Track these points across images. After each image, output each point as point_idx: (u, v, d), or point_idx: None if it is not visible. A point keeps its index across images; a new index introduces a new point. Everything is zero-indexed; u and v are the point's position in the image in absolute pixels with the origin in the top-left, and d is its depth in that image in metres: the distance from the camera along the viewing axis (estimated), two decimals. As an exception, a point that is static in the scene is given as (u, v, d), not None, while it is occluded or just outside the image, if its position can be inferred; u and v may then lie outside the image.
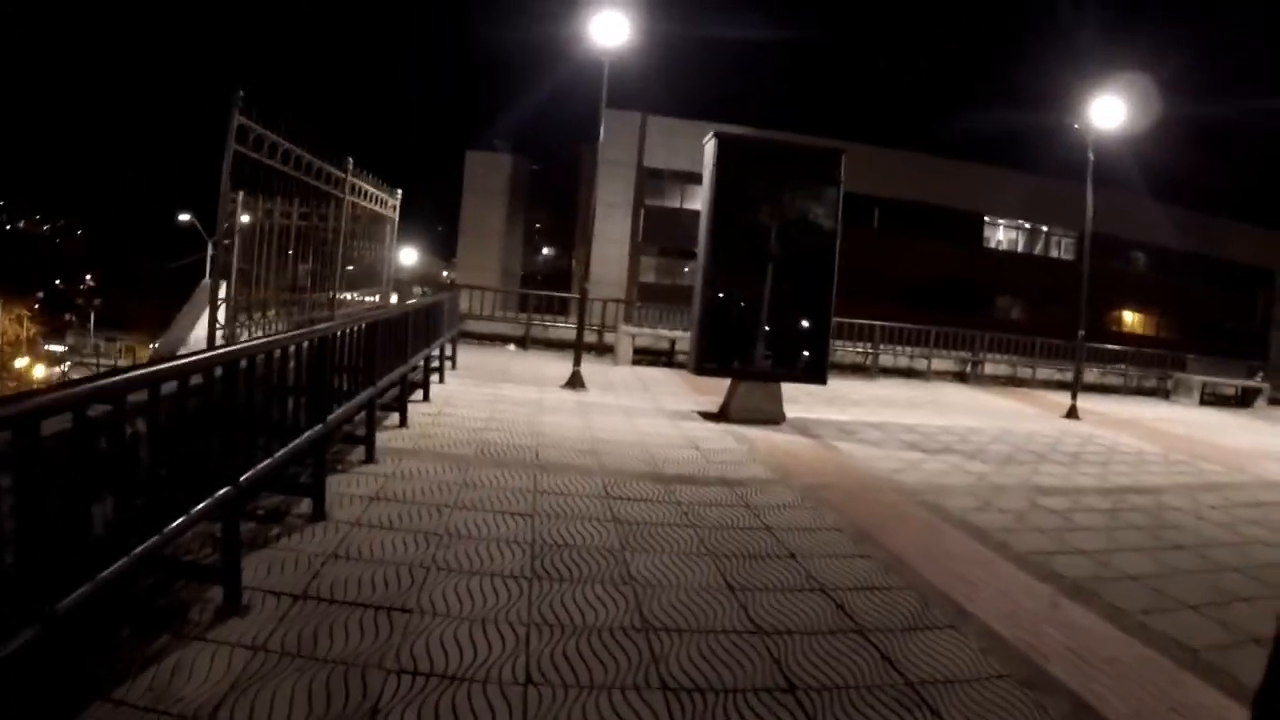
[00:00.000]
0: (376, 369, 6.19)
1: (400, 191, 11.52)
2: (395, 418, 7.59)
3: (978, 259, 37.35)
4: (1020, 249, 39.71)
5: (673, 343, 15.58)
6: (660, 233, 35.04)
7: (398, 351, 7.17)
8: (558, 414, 9.06)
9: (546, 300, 17.47)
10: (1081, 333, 14.89)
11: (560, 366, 13.13)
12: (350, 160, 8.78)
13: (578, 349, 11.41)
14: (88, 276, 70.62)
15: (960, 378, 19.15)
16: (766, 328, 9.87)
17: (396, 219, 11.60)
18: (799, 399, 10.87)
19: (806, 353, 10.08)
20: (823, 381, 10.21)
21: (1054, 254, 39.64)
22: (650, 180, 34.58)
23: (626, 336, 14.72)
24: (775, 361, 9.96)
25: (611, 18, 11.00)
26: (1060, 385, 19.71)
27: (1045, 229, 39.28)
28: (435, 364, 10.29)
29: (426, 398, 8.94)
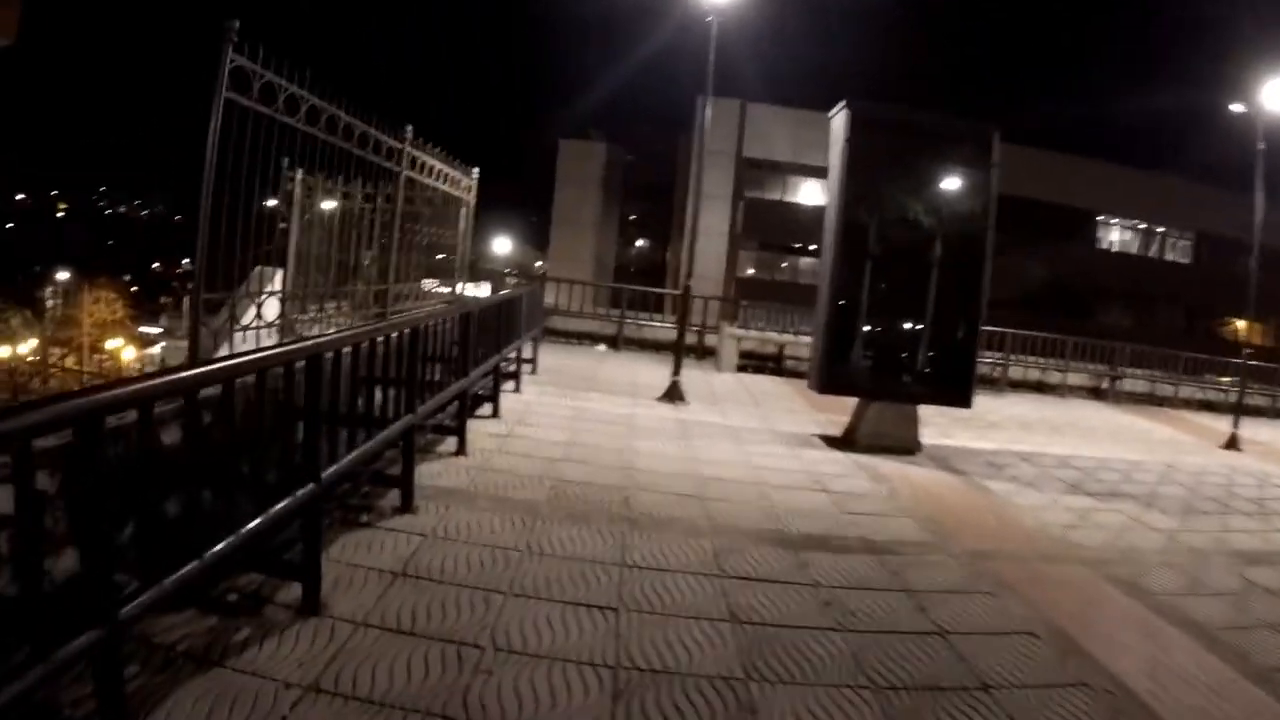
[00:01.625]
0: (419, 388, 4.75)
1: (477, 171, 10.14)
2: (452, 442, 6.14)
3: (1090, 260, 34.24)
4: (1135, 250, 36.49)
5: (781, 347, 13.87)
6: (760, 226, 33.27)
7: (457, 362, 5.75)
8: (654, 438, 7.48)
9: (641, 296, 15.88)
10: (1248, 351, 12.57)
11: (656, 372, 11.59)
12: (409, 129, 7.38)
13: (677, 354, 9.82)
14: (185, 260, 72.48)
15: (1096, 394, 16.93)
16: (903, 338, 8.12)
17: (473, 201, 10.21)
18: (930, 420, 9.05)
19: (949, 368, 8.28)
20: (967, 404, 8.37)
21: (1169, 257, 36.42)
22: (750, 171, 32.79)
23: (731, 340, 13.05)
24: (913, 378, 8.20)
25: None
26: (1203, 406, 17.36)
27: (1161, 230, 36.02)
28: (511, 367, 8.86)
29: (496, 413, 7.49)
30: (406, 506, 4.66)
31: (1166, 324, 34.10)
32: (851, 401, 8.51)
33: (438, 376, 5.45)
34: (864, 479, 6.91)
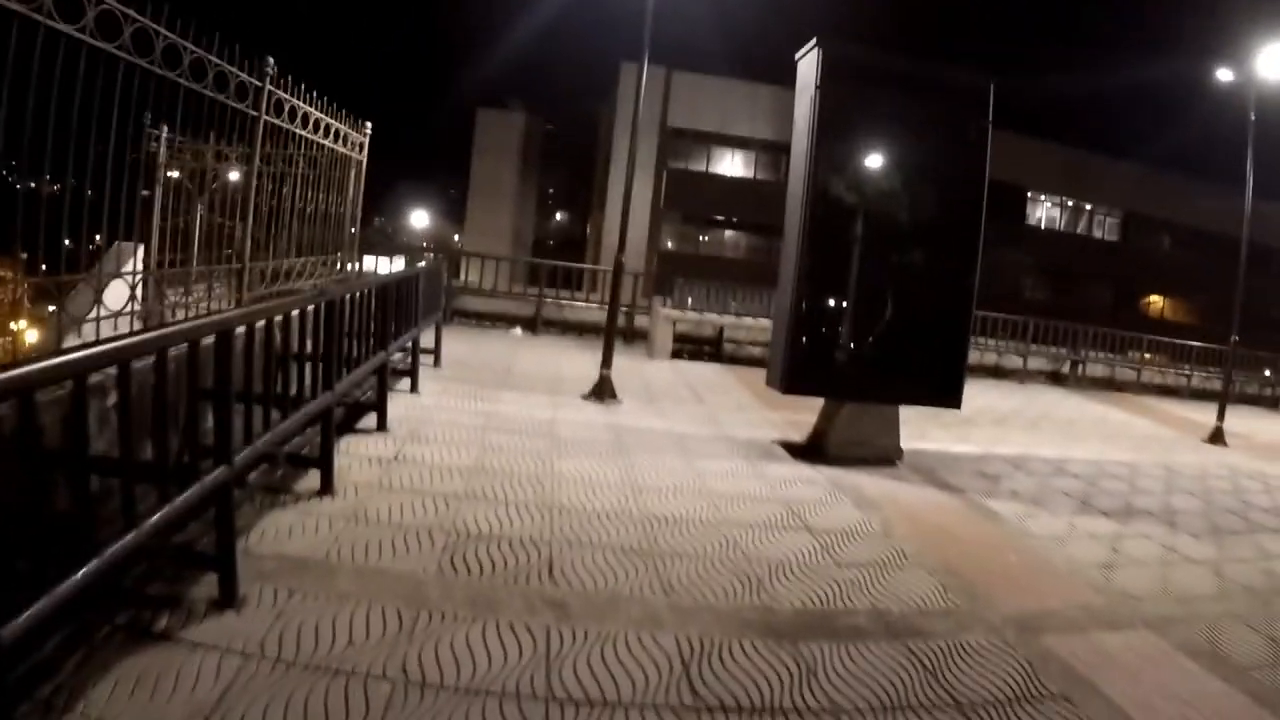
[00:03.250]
0: (264, 410, 3.19)
1: (370, 125, 8.41)
2: (315, 477, 4.53)
3: (1020, 237, 33.88)
4: (1063, 228, 36.40)
5: (720, 330, 12.46)
6: (684, 198, 31.84)
7: (321, 368, 4.18)
8: (584, 455, 5.98)
9: (563, 273, 14.16)
10: (1235, 338, 11.70)
11: (580, 360, 10.11)
12: (271, 64, 5.69)
13: (608, 343, 8.29)
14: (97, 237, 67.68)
15: (1055, 379, 16.09)
16: (883, 328, 6.80)
17: (364, 160, 8.49)
18: (902, 418, 7.79)
19: (935, 362, 7.02)
20: (957, 403, 7.12)
21: (1097, 234, 36.55)
22: (674, 141, 31.30)
23: (665, 323, 11.54)
24: (895, 375, 6.90)
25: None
26: (1163, 391, 16.84)
27: (1089, 207, 36.03)
28: (405, 362, 7.27)
29: (382, 425, 5.90)
30: (227, 599, 3.09)
31: (1095, 302, 34.00)
32: (810, 399, 7.19)
33: (294, 390, 3.89)
34: (848, 505, 5.56)
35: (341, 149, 7.80)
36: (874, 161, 6.66)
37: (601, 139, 35.32)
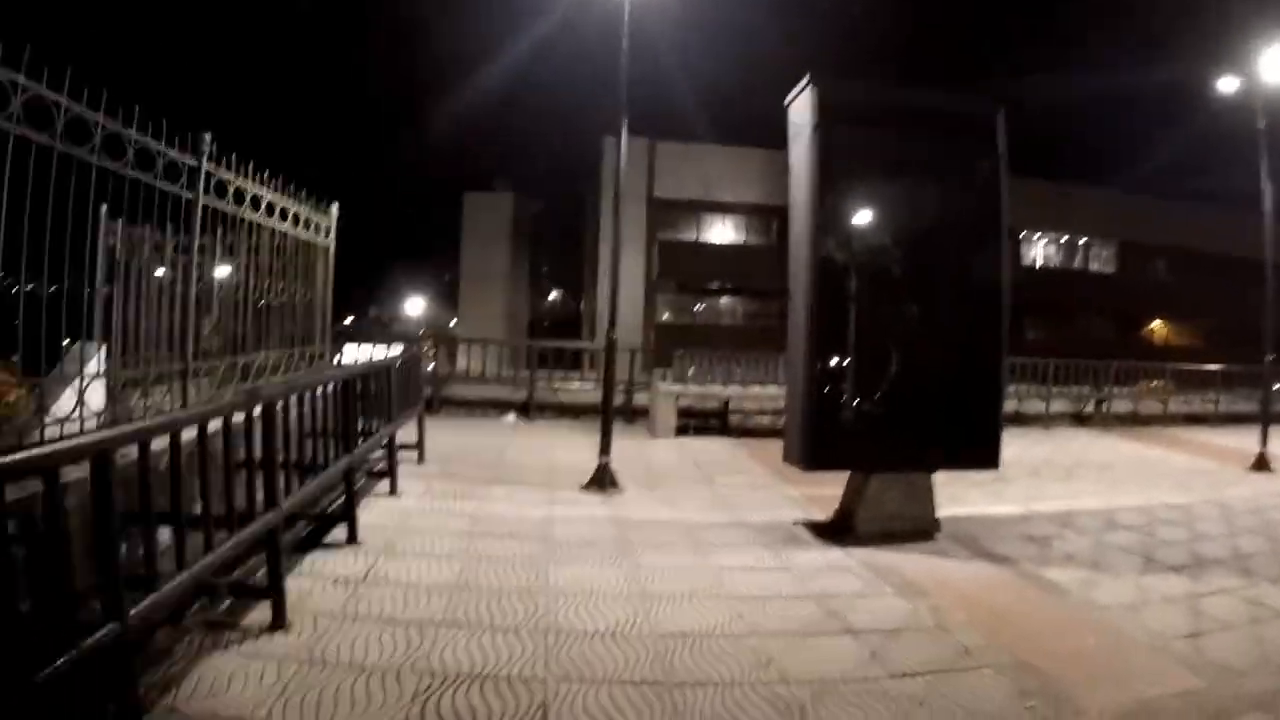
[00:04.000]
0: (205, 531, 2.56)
1: (335, 208, 7.89)
2: (264, 610, 3.83)
3: (1015, 278, 33.47)
4: (1058, 264, 36.06)
5: (725, 402, 11.77)
6: (676, 269, 31.43)
7: (267, 481, 3.55)
8: (583, 560, 5.25)
9: (555, 354, 13.53)
10: (1270, 357, 11.10)
11: (578, 446, 9.45)
12: (208, 140, 5.16)
13: (605, 425, 7.60)
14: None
15: (1079, 420, 15.38)
16: (908, 387, 6.15)
17: (332, 246, 7.94)
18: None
19: (967, 419, 6.35)
20: (994, 463, 6.43)
21: (1094, 267, 36.22)
22: (662, 212, 31.06)
23: (667, 398, 10.86)
24: (923, 437, 6.22)
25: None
26: (1193, 420, 16.17)
27: (1084, 240, 35.75)
28: (380, 465, 6.61)
29: (352, 537, 5.21)
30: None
31: (1098, 334, 33.38)
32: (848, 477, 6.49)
33: (241, 505, 3.25)
34: (891, 595, 4.83)
35: (303, 234, 7.24)
36: (881, 205, 6.09)
37: (589, 215, 35.15)
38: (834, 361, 5.99)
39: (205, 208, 5.33)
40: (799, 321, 6.10)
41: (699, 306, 33.60)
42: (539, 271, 46.57)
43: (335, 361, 8.46)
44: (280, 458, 3.86)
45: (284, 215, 6.60)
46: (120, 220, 6.91)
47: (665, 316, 31.79)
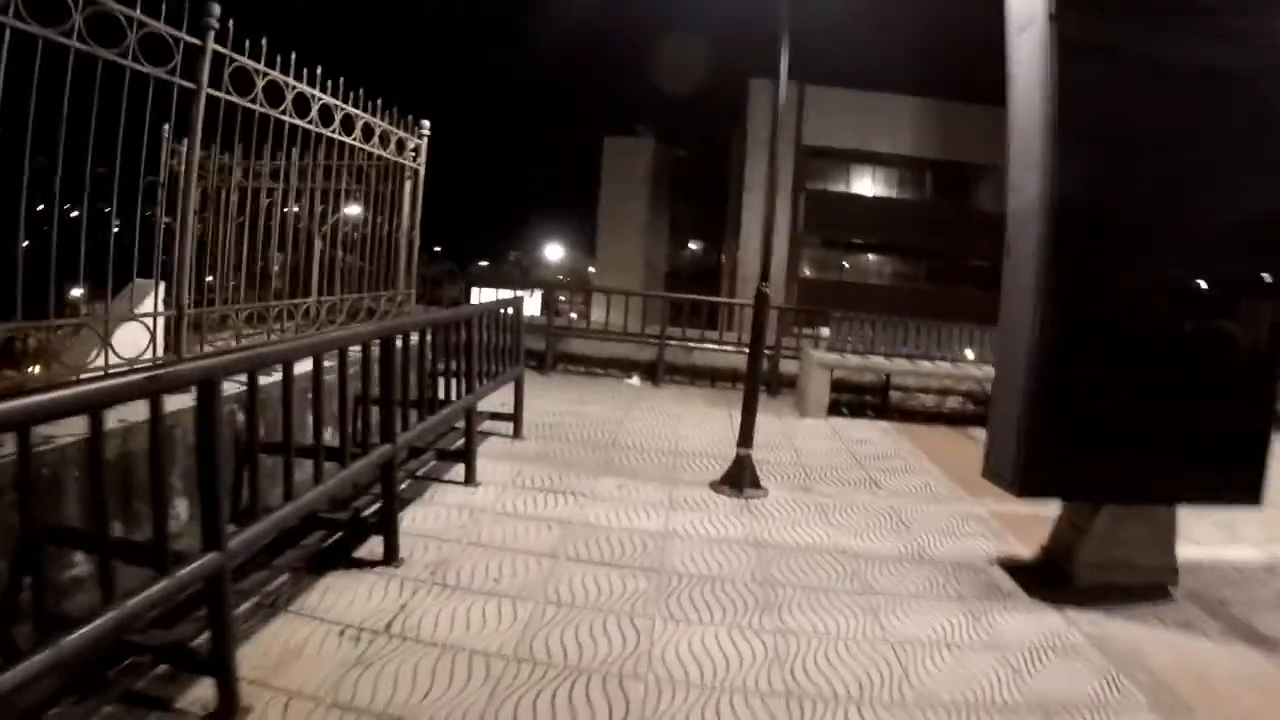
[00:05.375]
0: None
1: (426, 125, 6.46)
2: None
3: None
4: None
5: (887, 378, 9.86)
6: (823, 221, 29.09)
7: (206, 516, 2.21)
8: (703, 615, 3.74)
9: (691, 309, 11.77)
10: None
11: (710, 421, 7.94)
12: (215, 12, 3.75)
13: (747, 409, 5.91)
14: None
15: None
16: (1165, 389, 4.26)
17: (421, 171, 6.54)
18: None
19: (1226, 439, 4.40)
20: (1257, 497, 4.46)
21: None
22: (810, 160, 28.68)
23: (821, 370, 9.02)
24: (1174, 458, 4.35)
25: None
26: None
27: None
28: (459, 441, 5.23)
29: (390, 555, 3.82)
30: None
31: None
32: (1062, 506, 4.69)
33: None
34: (1140, 698, 3.07)
35: (381, 152, 5.84)
36: (1145, 132, 4.15)
37: (733, 163, 33.10)
38: (1071, 350, 4.14)
39: (222, 103, 3.95)
40: (1022, 287, 4.30)
41: (845, 263, 31.15)
42: (679, 222, 44.75)
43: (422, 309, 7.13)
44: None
45: (338, 123, 5.17)
46: (185, 140, 5.79)
47: (808, 272, 29.62)
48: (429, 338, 4.63)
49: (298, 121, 4.71)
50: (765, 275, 5.96)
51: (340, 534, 3.96)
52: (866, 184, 30.22)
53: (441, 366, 4.84)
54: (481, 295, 13.04)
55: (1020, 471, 4.28)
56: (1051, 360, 4.16)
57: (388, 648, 3.05)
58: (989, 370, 9.30)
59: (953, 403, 10.70)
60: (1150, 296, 4.29)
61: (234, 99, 4.04)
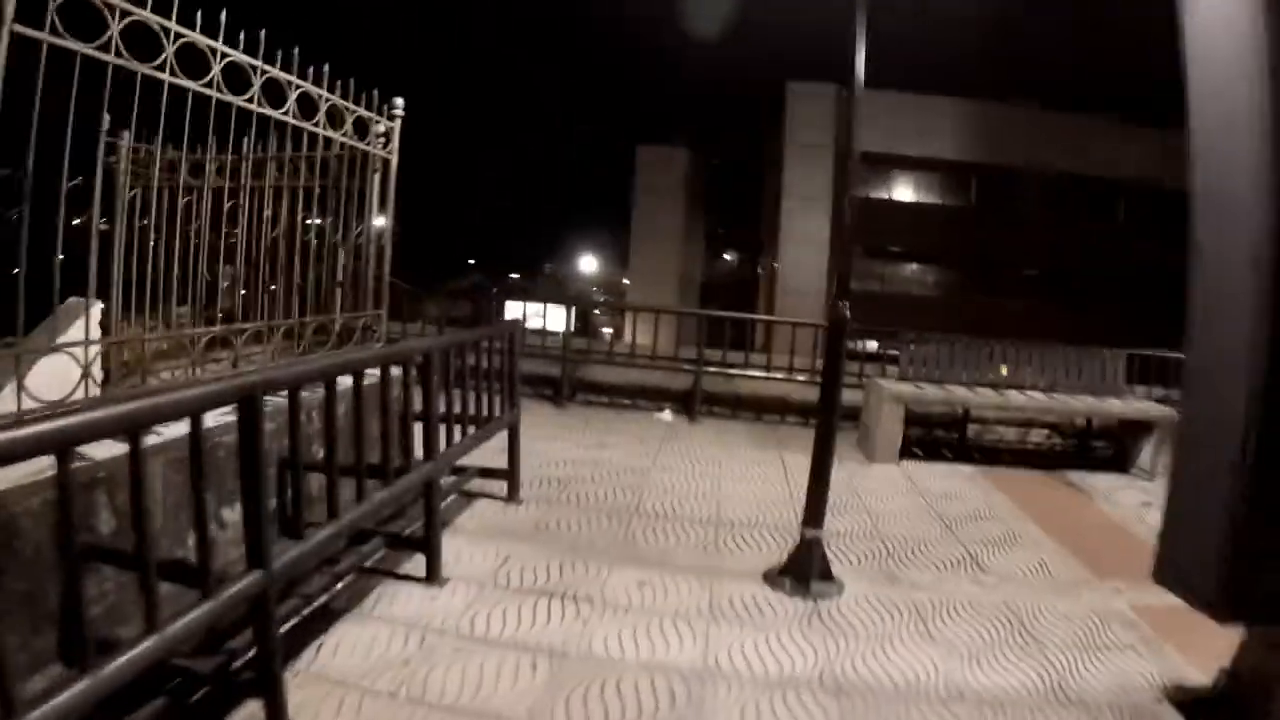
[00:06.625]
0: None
1: (400, 104, 5.11)
2: None
3: None
4: None
5: (966, 411, 8.29)
6: (865, 229, 27.45)
7: None
8: None
9: (734, 328, 10.02)
10: None
11: (759, 468, 6.49)
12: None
13: (819, 471, 4.36)
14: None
15: None
16: None
17: (393, 161, 5.17)
18: None
19: None
20: None
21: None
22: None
23: (893, 405, 7.35)
24: None
25: None
26: None
27: None
28: (411, 527, 3.82)
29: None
30: None
31: None
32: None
33: None
34: None
35: (333, 134, 4.48)
36: None
37: (769, 171, 31.63)
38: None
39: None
40: (1236, 304, 2.80)
41: (885, 273, 29.42)
42: (714, 232, 43.28)
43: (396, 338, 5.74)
44: None
45: (282, 99, 3.83)
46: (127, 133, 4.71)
47: (855, 284, 27.99)
48: (362, 384, 3.23)
49: (223, 95, 3.41)
50: (845, 289, 4.48)
51: (203, 691, 2.56)
52: (908, 189, 28.67)
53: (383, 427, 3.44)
54: (510, 311, 11.87)
55: (1228, 586, 2.79)
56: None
57: None
58: (1091, 402, 7.77)
59: (1037, 435, 9.14)
60: None
61: (122, 61, 2.74)
